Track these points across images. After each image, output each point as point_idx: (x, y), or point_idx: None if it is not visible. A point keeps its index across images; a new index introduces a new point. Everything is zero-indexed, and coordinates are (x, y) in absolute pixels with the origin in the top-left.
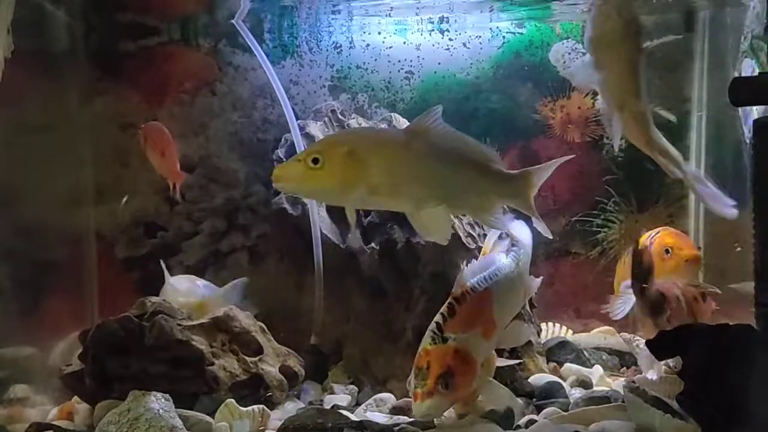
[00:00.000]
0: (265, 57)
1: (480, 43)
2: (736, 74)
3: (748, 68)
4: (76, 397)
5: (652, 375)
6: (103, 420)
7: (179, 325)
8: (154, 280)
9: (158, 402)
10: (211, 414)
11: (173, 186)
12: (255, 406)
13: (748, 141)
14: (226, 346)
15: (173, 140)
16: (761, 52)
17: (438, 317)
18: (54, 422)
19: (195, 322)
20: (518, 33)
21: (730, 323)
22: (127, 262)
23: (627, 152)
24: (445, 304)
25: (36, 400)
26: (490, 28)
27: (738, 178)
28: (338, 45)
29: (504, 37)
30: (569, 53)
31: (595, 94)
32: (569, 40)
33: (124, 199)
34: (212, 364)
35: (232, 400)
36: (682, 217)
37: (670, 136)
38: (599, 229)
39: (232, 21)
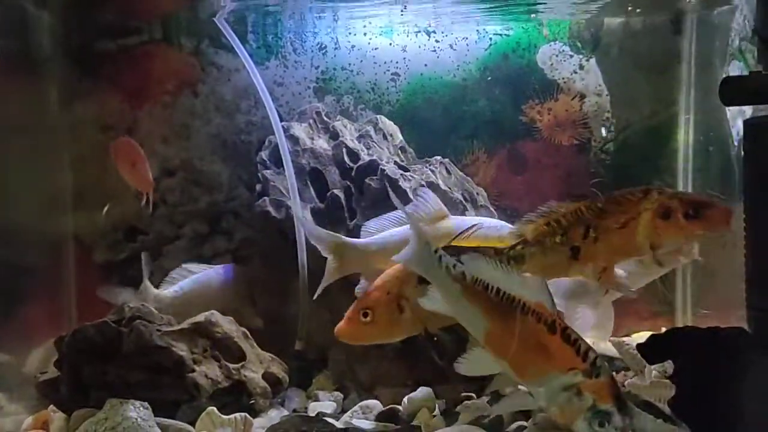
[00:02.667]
0: (248, 57)
1: (467, 45)
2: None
3: (736, 71)
4: (51, 405)
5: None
6: (79, 429)
7: (159, 330)
8: (134, 285)
9: (136, 410)
10: (192, 422)
11: (146, 195)
12: (237, 414)
13: (736, 143)
14: (207, 352)
15: (142, 152)
16: (749, 54)
17: None
18: None
19: (175, 328)
20: (505, 35)
21: (723, 326)
22: (107, 267)
23: (614, 155)
24: None
25: (10, 409)
26: (477, 30)
27: (726, 180)
28: (323, 46)
29: (491, 38)
30: (557, 55)
31: (582, 96)
32: (557, 42)
33: (106, 208)
34: (193, 370)
35: (214, 407)
36: None
37: (657, 139)
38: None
39: (215, 19)
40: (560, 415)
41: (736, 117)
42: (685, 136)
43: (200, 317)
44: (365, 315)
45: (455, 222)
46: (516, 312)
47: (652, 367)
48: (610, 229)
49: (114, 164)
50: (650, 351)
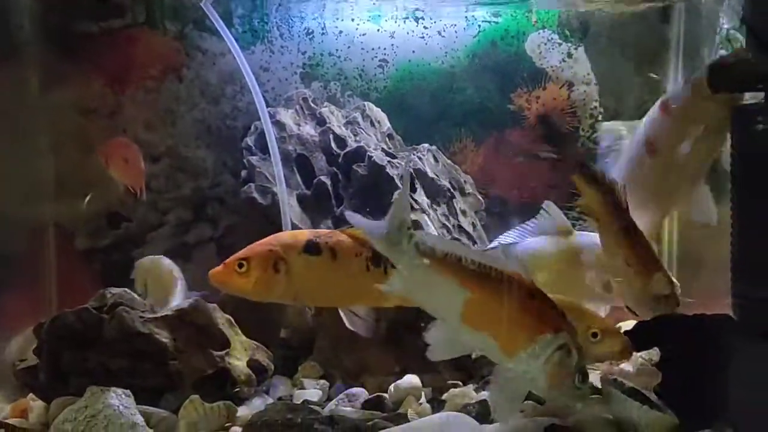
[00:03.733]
0: (234, 41)
1: (455, 31)
2: None
3: None
4: (30, 393)
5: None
6: (59, 418)
7: (141, 317)
8: (117, 272)
9: (118, 398)
10: (176, 410)
11: (139, 190)
12: (221, 402)
13: None
14: (191, 340)
15: (134, 146)
16: (737, 43)
17: None
18: (7, 420)
19: (158, 315)
20: (494, 22)
21: (708, 313)
22: (88, 254)
23: None
24: None
25: None
26: (466, 17)
27: (712, 169)
28: (310, 31)
29: (480, 26)
30: (545, 44)
31: (571, 85)
32: (545, 30)
33: (88, 197)
34: (176, 358)
35: (197, 396)
36: None
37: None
38: (574, 222)
39: (201, 4)
40: (552, 377)
41: None
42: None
43: (184, 303)
44: (240, 266)
45: (581, 238)
46: (497, 278)
47: (638, 354)
48: None
49: (104, 166)
50: (637, 338)
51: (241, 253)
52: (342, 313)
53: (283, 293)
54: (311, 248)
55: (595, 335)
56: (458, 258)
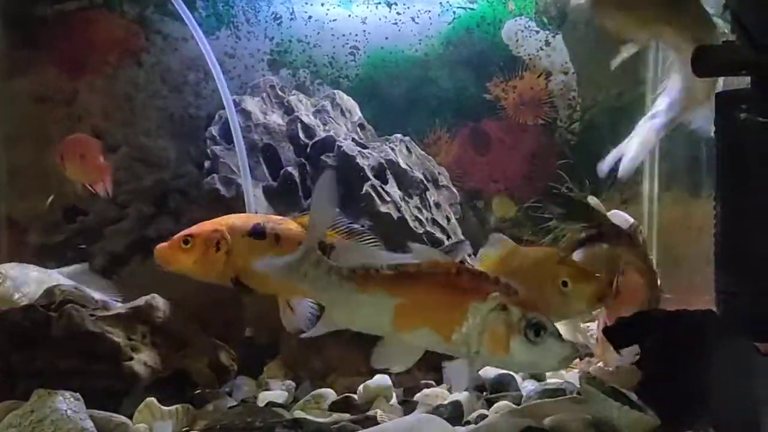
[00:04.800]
0: (197, 26)
1: (429, 18)
2: None
3: None
4: None
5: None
6: (3, 422)
7: (92, 315)
8: None
9: (66, 402)
10: (130, 415)
11: (104, 185)
12: (179, 405)
13: None
14: (146, 339)
15: (92, 140)
16: (720, 30)
17: None
18: None
19: (111, 312)
20: (470, 8)
21: (690, 309)
22: (42, 249)
23: (580, 136)
24: None
25: None
26: (441, 3)
27: (693, 163)
28: (278, 16)
29: (455, 12)
30: (522, 31)
31: (548, 74)
32: (522, 17)
33: (50, 199)
34: (131, 358)
35: (153, 398)
36: (635, 203)
37: (624, 119)
38: (551, 216)
39: None
40: (492, 340)
41: None
42: None
43: (139, 301)
44: (186, 242)
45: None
46: (417, 273)
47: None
48: None
49: (59, 166)
50: (617, 335)
51: (188, 230)
52: (280, 306)
53: (222, 274)
54: (256, 232)
55: (564, 284)
56: (376, 269)
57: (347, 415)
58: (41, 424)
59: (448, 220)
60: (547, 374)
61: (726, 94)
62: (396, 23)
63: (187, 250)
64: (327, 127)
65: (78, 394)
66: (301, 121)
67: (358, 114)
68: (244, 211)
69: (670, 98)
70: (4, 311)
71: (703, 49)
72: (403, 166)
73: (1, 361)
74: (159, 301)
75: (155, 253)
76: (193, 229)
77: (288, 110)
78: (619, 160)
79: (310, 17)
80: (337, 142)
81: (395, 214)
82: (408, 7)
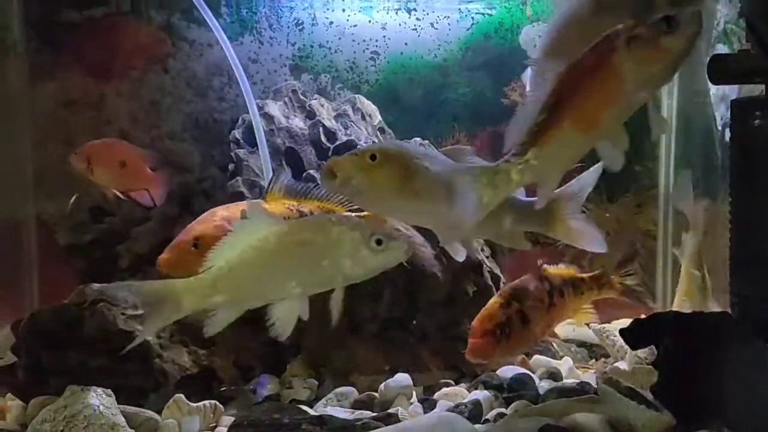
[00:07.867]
0: (222, 32)
1: (448, 24)
2: None
3: None
4: (8, 393)
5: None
6: (37, 418)
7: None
8: (100, 268)
9: (98, 398)
10: (159, 411)
11: (153, 195)
12: (206, 402)
13: (720, 127)
14: (174, 338)
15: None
16: (735, 37)
17: None
18: None
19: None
20: (488, 14)
21: (706, 311)
22: (70, 249)
23: None
24: None
25: None
26: (459, 9)
27: (708, 168)
28: (300, 22)
29: (473, 18)
30: (540, 36)
31: None
32: (540, 22)
33: (73, 198)
34: (160, 356)
35: (181, 395)
36: (651, 208)
37: (639, 123)
38: None
39: None
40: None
41: (719, 101)
42: (668, 119)
43: None
44: (195, 246)
45: None
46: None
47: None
48: None
49: (84, 172)
50: (633, 336)
51: (188, 234)
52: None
53: None
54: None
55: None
56: None
57: (368, 413)
58: (74, 419)
59: None
60: (563, 375)
61: (742, 100)
62: (415, 29)
63: (198, 253)
64: (348, 131)
65: (109, 390)
66: (323, 125)
67: (378, 118)
68: None
69: None
70: (36, 311)
71: (719, 57)
72: None
73: (35, 358)
74: None
75: (161, 263)
76: (195, 232)
77: (310, 114)
78: None
79: (331, 23)
80: (359, 146)
81: None
82: (427, 13)
